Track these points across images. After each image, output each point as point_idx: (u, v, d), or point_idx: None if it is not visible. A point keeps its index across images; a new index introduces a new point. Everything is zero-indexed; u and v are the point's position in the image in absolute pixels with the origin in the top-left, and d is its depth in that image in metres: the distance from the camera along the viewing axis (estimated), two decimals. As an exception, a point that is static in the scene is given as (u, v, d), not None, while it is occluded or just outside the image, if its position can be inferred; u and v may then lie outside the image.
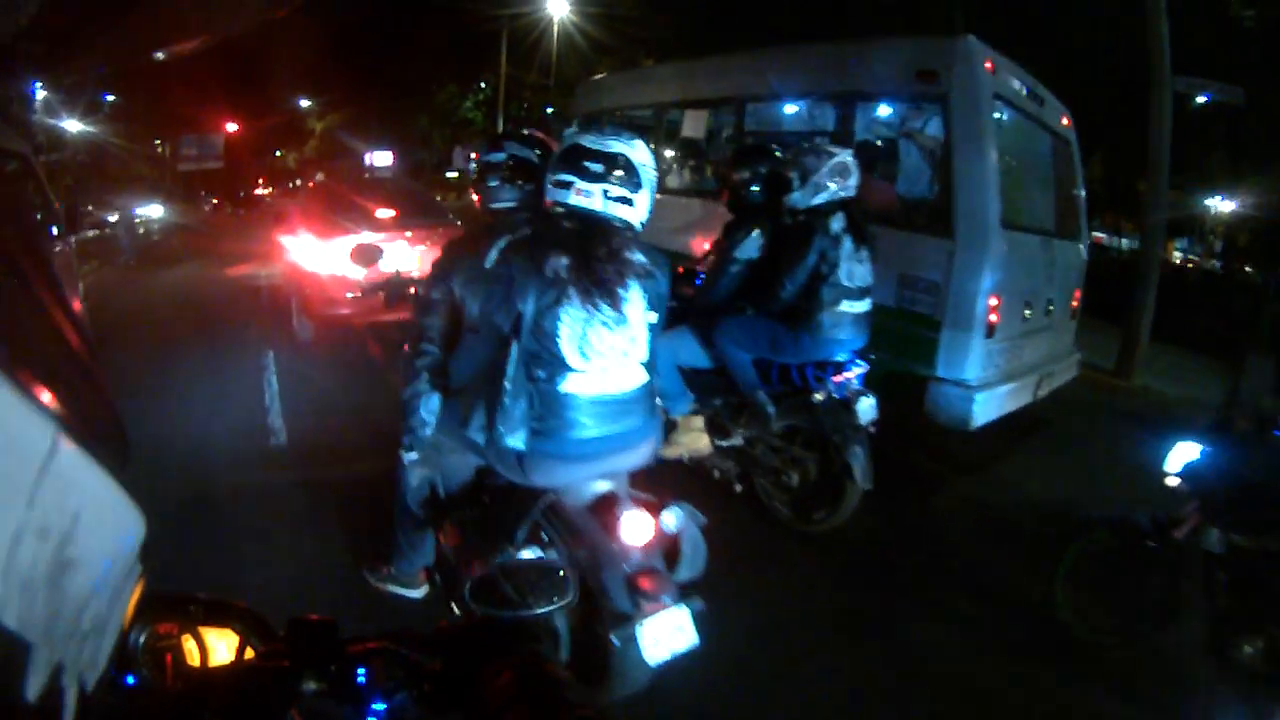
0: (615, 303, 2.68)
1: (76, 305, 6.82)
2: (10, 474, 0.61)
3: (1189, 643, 3.73)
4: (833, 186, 4.74)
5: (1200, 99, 11.30)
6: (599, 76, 12.57)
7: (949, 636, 4.15)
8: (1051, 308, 6.99)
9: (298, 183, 28.67)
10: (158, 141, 42.99)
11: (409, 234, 8.82)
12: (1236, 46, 11.64)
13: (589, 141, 2.74)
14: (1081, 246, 7.73)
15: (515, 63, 36.22)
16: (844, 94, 7.14)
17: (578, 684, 1.82)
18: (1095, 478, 6.76)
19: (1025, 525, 5.62)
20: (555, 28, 34.00)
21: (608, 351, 2.72)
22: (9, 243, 0.68)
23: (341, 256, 7.92)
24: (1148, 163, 10.67)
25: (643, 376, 2.86)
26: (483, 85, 40.19)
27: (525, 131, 3.49)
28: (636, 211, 2.79)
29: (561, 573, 1.78)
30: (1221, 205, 23.31)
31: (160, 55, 0.81)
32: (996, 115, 6.10)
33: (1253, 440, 3.80)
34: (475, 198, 3.40)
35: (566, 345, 2.66)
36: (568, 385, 2.70)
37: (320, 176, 18.25)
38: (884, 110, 7.56)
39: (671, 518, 2.79)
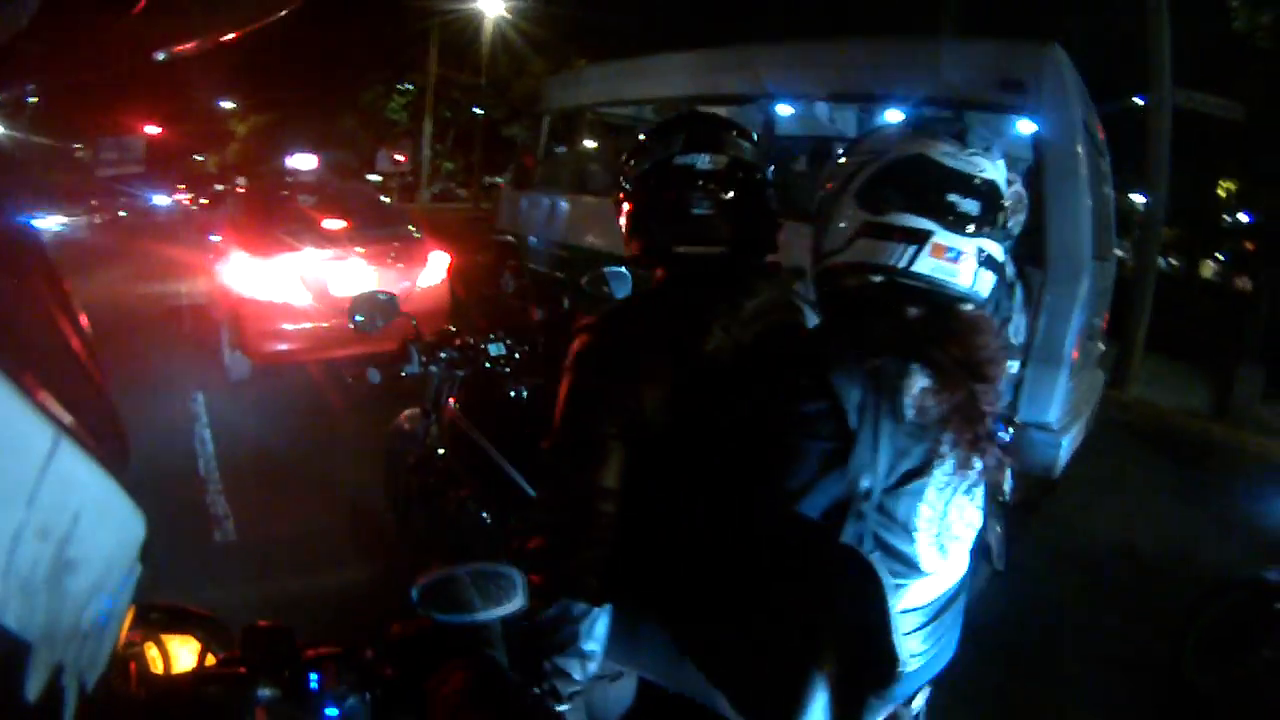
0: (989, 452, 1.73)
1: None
2: (10, 474, 0.64)
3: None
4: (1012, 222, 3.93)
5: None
6: (576, 68, 12.30)
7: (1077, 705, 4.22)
8: (1095, 333, 6.80)
9: (219, 188, 28.23)
10: (77, 146, 42.47)
11: (362, 249, 8.08)
12: (1240, 60, 11.92)
13: (946, 156, 1.70)
14: (1112, 265, 7.61)
15: (445, 62, 36.11)
16: (902, 99, 6.85)
17: (526, 688, 1.87)
18: (1145, 510, 6.97)
19: (1117, 575, 5.66)
20: (488, 25, 33.79)
21: (965, 534, 1.79)
22: (8, 242, 0.71)
23: (283, 276, 7.46)
24: (1145, 176, 10.92)
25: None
26: (409, 86, 39.96)
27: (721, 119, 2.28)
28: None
29: (514, 578, 1.81)
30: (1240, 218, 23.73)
31: (160, 56, 0.85)
32: (1090, 136, 5.93)
33: None
34: (623, 231, 2.25)
35: (924, 537, 1.69)
36: (906, 599, 1.70)
37: (241, 181, 17.94)
38: (955, 121, 7.09)
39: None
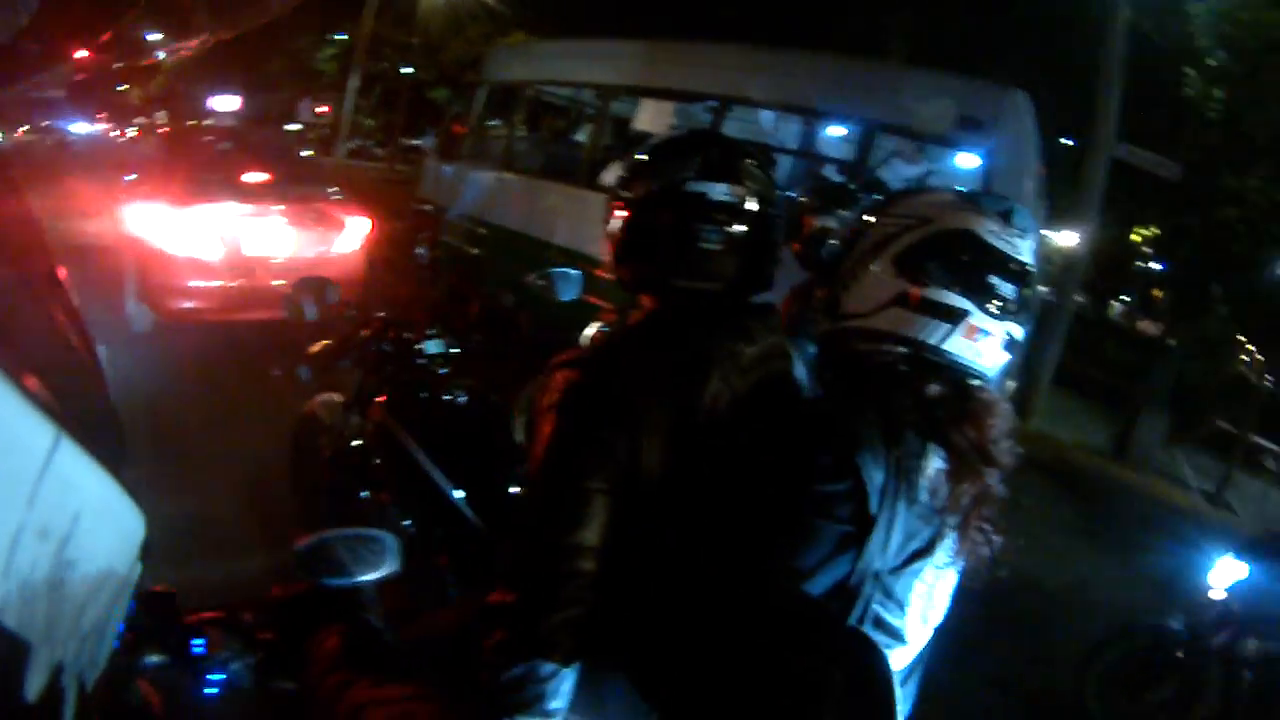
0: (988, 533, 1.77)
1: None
2: (10, 474, 0.65)
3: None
4: None
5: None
6: (516, 42, 12.02)
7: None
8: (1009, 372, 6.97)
9: (140, 121, 26.91)
10: (-9, 56, 40.53)
11: (282, 207, 7.67)
12: (1178, 117, 12.45)
13: (992, 235, 1.66)
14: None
15: (381, 18, 35.35)
16: (855, 120, 6.90)
17: (402, 648, 1.88)
18: (1042, 543, 7.21)
19: (1017, 606, 5.85)
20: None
21: (944, 605, 1.86)
22: (9, 242, 0.71)
23: (197, 229, 7.11)
24: (1075, 219, 11.44)
25: None
26: (342, 36, 38.94)
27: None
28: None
29: (387, 543, 1.78)
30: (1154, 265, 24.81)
31: (161, 55, 0.85)
32: (1035, 179, 6.08)
33: None
34: (613, 250, 2.05)
35: (914, 612, 1.73)
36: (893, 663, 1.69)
37: (162, 116, 17.10)
38: (906, 147, 7.25)
39: None
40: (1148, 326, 21.15)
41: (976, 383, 1.68)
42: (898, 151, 7.17)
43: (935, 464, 1.62)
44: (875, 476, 1.54)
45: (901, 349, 1.64)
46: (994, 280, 1.62)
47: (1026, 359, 10.36)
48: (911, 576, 1.65)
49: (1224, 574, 4.52)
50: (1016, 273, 1.64)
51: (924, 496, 1.61)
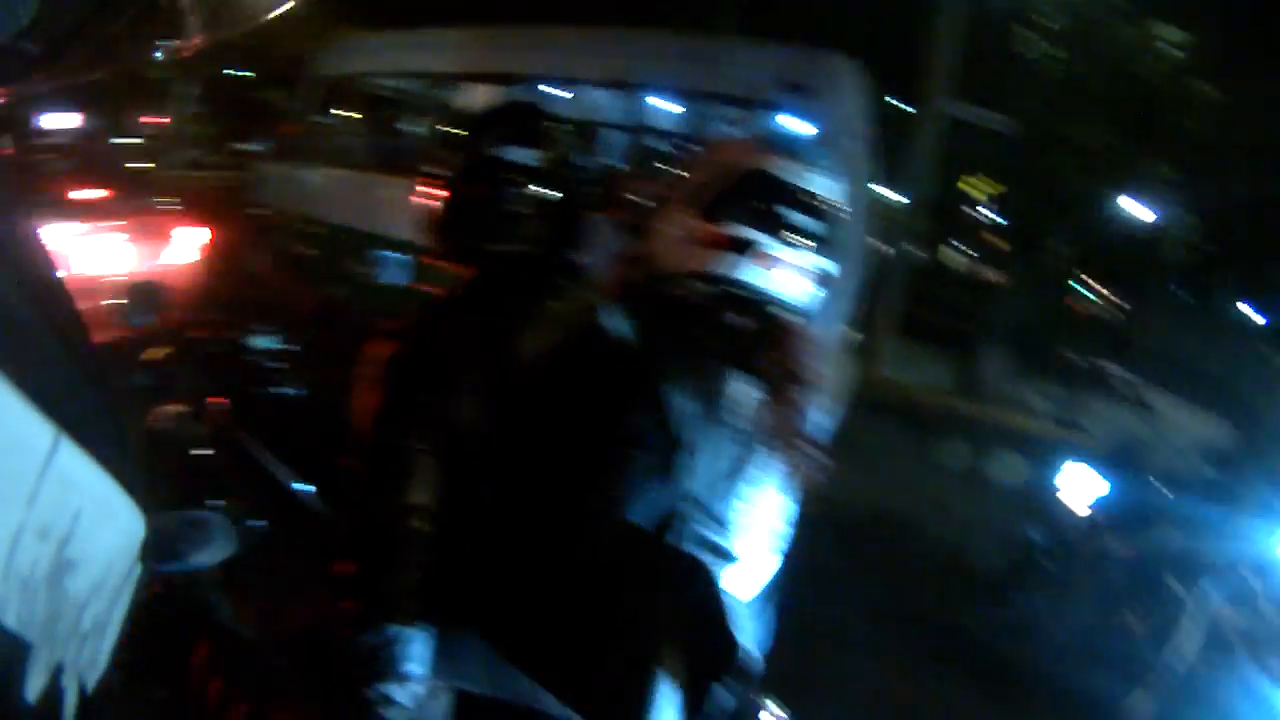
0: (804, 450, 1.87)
1: None
2: (10, 474, 0.65)
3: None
4: None
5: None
6: (351, 35, 11.65)
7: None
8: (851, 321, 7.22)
9: None
10: None
11: (115, 224, 7.42)
12: (1016, 77, 13.11)
13: (783, 171, 1.75)
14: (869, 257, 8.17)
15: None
16: (690, 93, 7.04)
17: (271, 650, 1.87)
18: (897, 479, 7.76)
19: (879, 538, 6.17)
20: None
21: (777, 526, 1.94)
22: (8, 240, 0.71)
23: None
24: (909, 177, 12.14)
25: None
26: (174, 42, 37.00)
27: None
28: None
29: (215, 524, 1.77)
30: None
31: (159, 55, 0.85)
32: (861, 141, 6.33)
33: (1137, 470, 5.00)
34: (431, 226, 2.16)
35: (740, 531, 1.81)
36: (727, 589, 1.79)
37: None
38: (733, 117, 7.31)
39: None
40: (988, 272, 22.13)
41: (778, 310, 1.77)
42: (729, 120, 7.34)
43: (743, 389, 1.74)
44: (680, 405, 1.67)
45: (701, 285, 1.73)
46: (783, 211, 1.71)
47: (869, 309, 10.70)
48: (730, 496, 1.75)
49: (1081, 484, 4.86)
50: (805, 203, 1.74)
51: (733, 420, 1.73)
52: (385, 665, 1.75)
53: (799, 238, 1.74)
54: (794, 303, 1.79)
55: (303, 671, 1.97)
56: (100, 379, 0.84)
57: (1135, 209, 12.60)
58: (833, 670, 4.31)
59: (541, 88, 8.10)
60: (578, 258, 2.17)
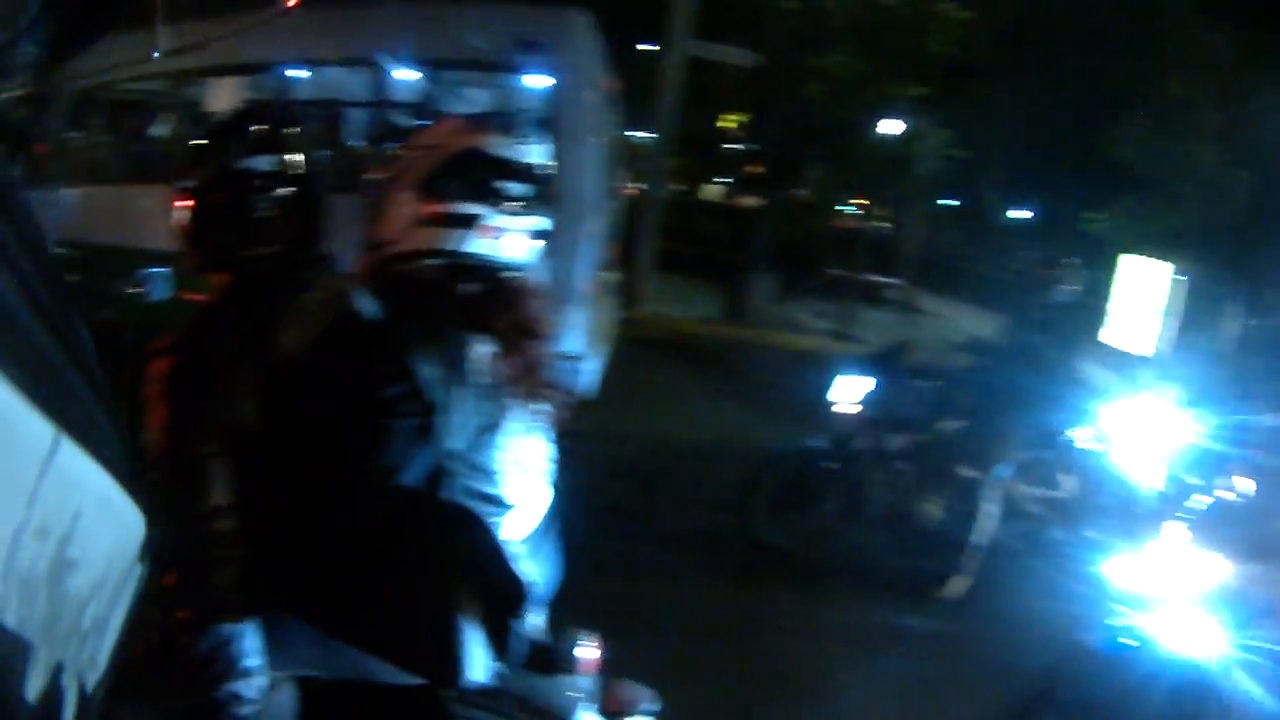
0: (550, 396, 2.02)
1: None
2: (11, 473, 0.65)
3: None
4: None
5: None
6: (95, 43, 10.46)
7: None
8: (606, 265, 7.37)
9: None
10: None
11: None
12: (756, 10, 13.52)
13: (494, 146, 1.86)
14: (620, 202, 8.32)
15: None
16: (426, 61, 6.80)
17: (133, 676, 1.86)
18: (676, 409, 7.82)
19: (665, 467, 6.33)
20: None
21: (541, 468, 2.05)
22: (8, 241, 0.68)
23: None
24: (657, 117, 12.08)
25: None
26: None
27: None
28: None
29: None
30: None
31: (156, 55, 0.82)
32: (599, 90, 6.36)
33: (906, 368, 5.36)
34: (184, 238, 2.10)
35: (506, 478, 1.91)
36: (504, 533, 1.90)
37: None
38: (474, 81, 7.47)
39: None
40: (748, 201, 22.82)
41: (508, 274, 1.89)
42: (469, 84, 7.35)
43: (484, 350, 1.85)
44: (428, 373, 1.78)
45: (434, 260, 1.83)
46: (500, 184, 1.83)
47: (629, 249, 10.85)
48: (491, 449, 1.86)
49: (850, 388, 5.16)
50: (521, 174, 1.86)
51: (479, 378, 1.85)
52: (225, 665, 1.67)
53: (516, 204, 1.85)
54: (519, 264, 1.91)
55: (156, 686, 1.92)
56: (100, 380, 0.82)
57: (889, 127, 13.19)
58: (641, 596, 4.37)
59: (284, 73, 7.75)
60: (325, 250, 2.24)
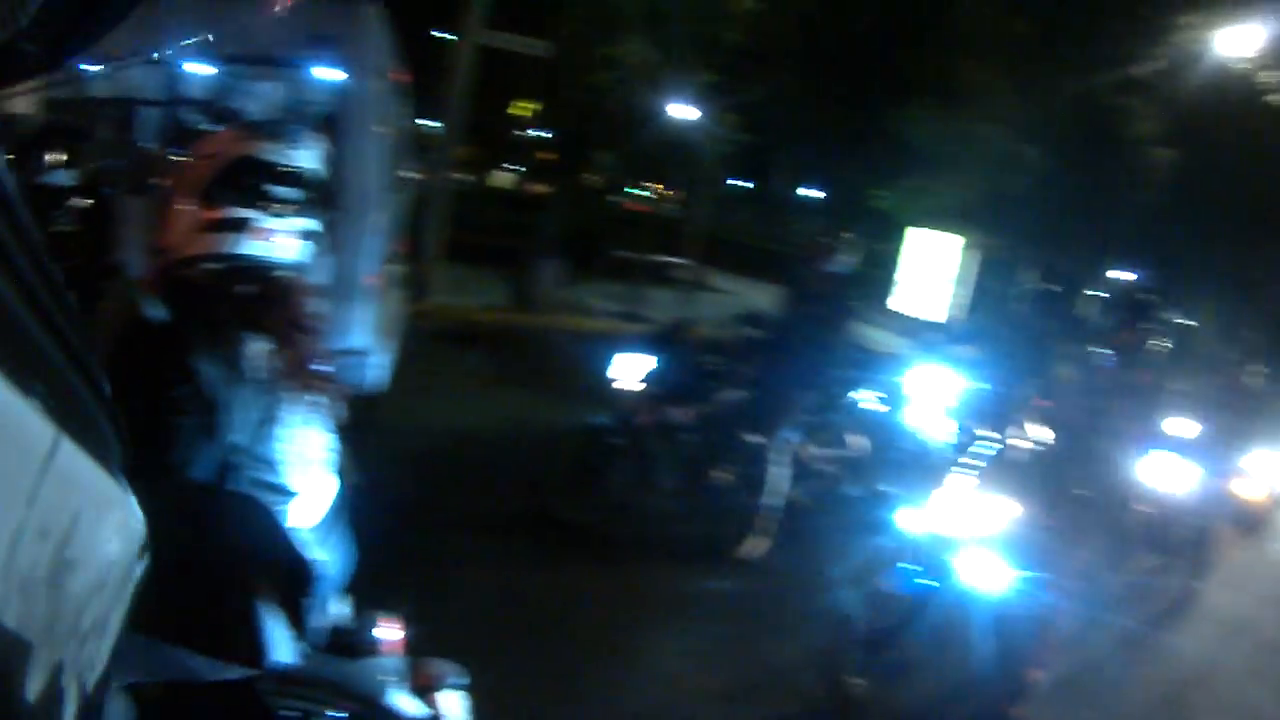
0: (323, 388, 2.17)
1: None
2: (10, 474, 0.64)
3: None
4: None
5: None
6: None
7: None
8: (392, 258, 7.31)
9: None
10: None
11: None
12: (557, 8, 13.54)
13: (266, 153, 2.00)
14: (406, 194, 8.23)
15: None
16: (217, 57, 6.51)
17: None
18: (469, 397, 7.94)
19: (463, 455, 6.42)
20: None
21: (322, 457, 2.18)
22: (7, 241, 0.67)
23: None
24: (446, 106, 11.95)
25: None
26: None
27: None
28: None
29: None
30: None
31: (155, 55, 0.80)
32: (388, 82, 6.29)
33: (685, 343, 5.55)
34: None
35: (288, 468, 2.06)
36: (292, 520, 2.05)
37: None
38: (266, 76, 7.04)
39: None
40: (538, 188, 22.82)
41: (280, 273, 2.04)
42: (261, 79, 7.14)
43: (258, 346, 1.98)
44: (209, 372, 1.91)
45: (212, 264, 1.96)
46: (270, 189, 1.97)
47: (416, 240, 10.71)
48: (272, 440, 1.99)
49: (630, 366, 5.31)
50: (290, 177, 2.00)
51: (255, 374, 1.97)
52: None
53: (287, 207, 1.99)
54: (290, 263, 2.06)
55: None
56: (100, 379, 0.80)
57: (678, 112, 13.49)
58: (445, 581, 4.42)
59: (79, 70, 7.20)
60: (117, 259, 2.30)
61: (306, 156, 2.04)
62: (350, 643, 2.19)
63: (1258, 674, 6.27)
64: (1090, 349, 4.81)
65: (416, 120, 8.60)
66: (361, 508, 3.76)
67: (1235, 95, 20.87)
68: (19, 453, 0.65)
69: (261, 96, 6.93)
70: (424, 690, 2.24)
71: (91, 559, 0.76)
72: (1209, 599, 7.37)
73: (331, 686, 1.98)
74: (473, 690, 2.30)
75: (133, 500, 0.85)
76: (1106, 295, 13.13)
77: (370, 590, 2.38)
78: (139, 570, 0.92)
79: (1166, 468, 5.73)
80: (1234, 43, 18.84)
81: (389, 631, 2.29)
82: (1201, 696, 5.61)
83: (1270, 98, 21.38)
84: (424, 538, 4.74)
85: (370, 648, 2.21)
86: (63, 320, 0.75)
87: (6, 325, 0.66)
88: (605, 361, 5.50)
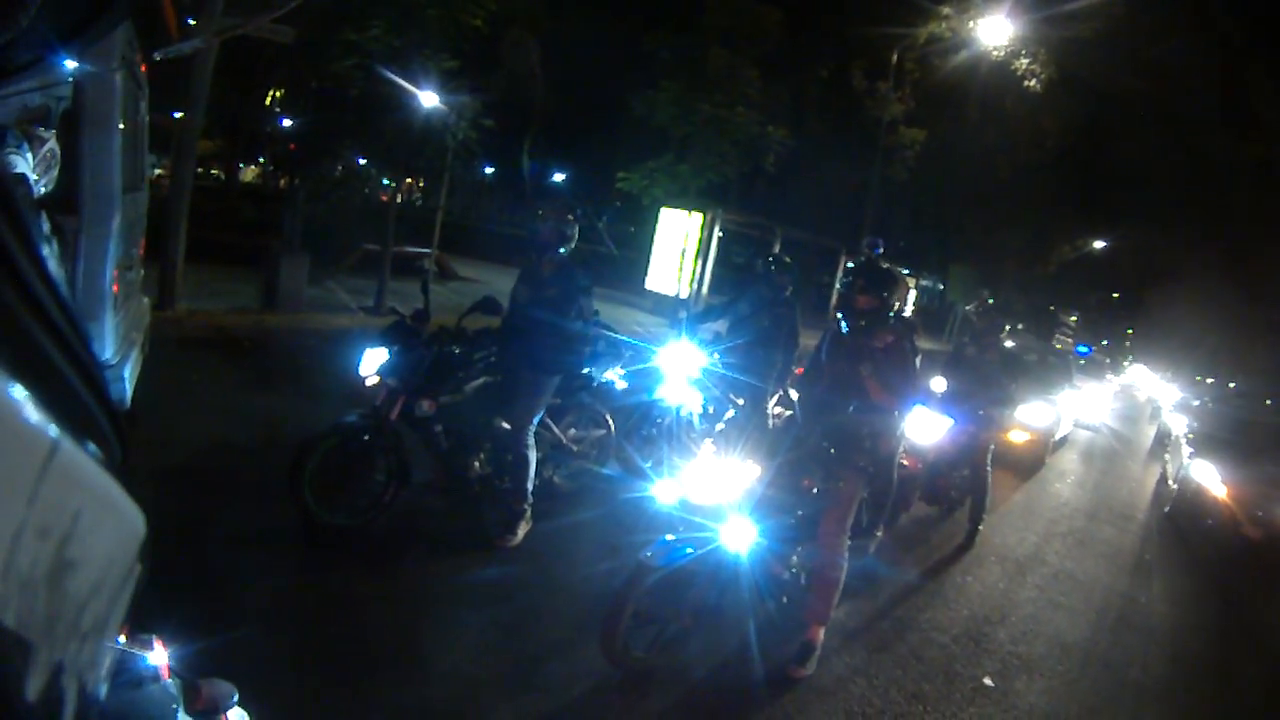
0: None
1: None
2: (10, 474, 0.63)
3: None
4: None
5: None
6: None
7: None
8: (133, 262, 6.68)
9: None
10: None
11: None
12: None
13: None
14: (145, 193, 7.44)
15: None
16: None
17: None
18: (223, 408, 7.36)
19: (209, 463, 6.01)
20: None
21: None
22: (8, 241, 0.63)
23: None
24: (186, 100, 11.09)
25: None
26: None
27: None
28: None
29: None
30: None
31: (157, 56, 0.75)
32: (131, 72, 5.74)
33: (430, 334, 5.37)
34: None
35: None
36: None
37: None
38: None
39: None
40: (284, 182, 21.72)
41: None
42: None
43: None
44: None
45: None
46: None
47: (158, 242, 9.94)
48: None
49: (376, 361, 5.17)
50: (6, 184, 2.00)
51: None
52: None
53: None
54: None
55: None
56: (100, 379, 0.76)
57: (421, 99, 12.95)
58: (212, 599, 4.16)
59: None
60: None
61: (23, 162, 1.88)
62: (121, 671, 2.02)
63: (1054, 603, 6.80)
64: (835, 316, 5.02)
65: (156, 111, 7.98)
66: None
67: (986, 79, 23.09)
68: (19, 453, 0.64)
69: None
70: (207, 714, 2.11)
71: (91, 559, 0.75)
72: (992, 540, 8.04)
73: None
74: (248, 708, 2.20)
75: (133, 500, 0.83)
76: (851, 265, 14.04)
77: (133, 614, 2.22)
78: (139, 570, 0.89)
79: (919, 422, 6.06)
80: (988, 32, 21.13)
81: (157, 656, 2.12)
82: (1002, 631, 5.95)
83: (1027, 83, 23.91)
84: (189, 555, 4.45)
85: (142, 675, 2.03)
86: (63, 320, 0.73)
87: (6, 325, 0.65)
88: (355, 358, 5.30)
